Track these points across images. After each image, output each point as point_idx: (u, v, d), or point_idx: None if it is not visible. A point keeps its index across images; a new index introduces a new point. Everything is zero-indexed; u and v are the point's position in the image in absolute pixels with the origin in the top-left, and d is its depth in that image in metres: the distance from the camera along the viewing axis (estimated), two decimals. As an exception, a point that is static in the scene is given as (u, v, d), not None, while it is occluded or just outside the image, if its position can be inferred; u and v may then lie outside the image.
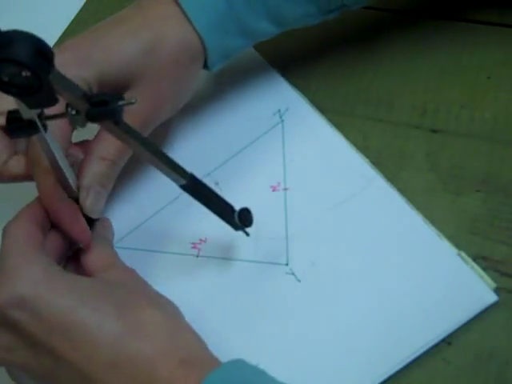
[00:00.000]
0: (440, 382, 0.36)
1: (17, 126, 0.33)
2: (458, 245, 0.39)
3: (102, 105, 0.32)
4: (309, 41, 0.51)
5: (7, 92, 0.29)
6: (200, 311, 0.39)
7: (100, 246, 0.39)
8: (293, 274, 0.40)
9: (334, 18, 0.45)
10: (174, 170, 0.36)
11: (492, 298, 0.37)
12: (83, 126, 0.33)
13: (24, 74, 0.28)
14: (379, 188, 0.42)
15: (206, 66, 0.43)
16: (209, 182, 0.44)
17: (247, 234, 0.40)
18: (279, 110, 0.47)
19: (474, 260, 0.38)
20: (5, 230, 0.36)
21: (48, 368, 0.33)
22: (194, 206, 0.44)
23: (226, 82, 0.49)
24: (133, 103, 0.32)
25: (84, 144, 0.41)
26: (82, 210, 0.39)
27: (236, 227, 0.40)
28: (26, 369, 0.34)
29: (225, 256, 0.41)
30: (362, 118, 0.46)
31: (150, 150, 0.35)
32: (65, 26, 0.57)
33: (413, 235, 0.40)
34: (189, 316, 0.36)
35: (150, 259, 0.42)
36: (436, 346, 0.36)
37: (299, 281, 0.39)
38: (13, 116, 0.33)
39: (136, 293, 0.36)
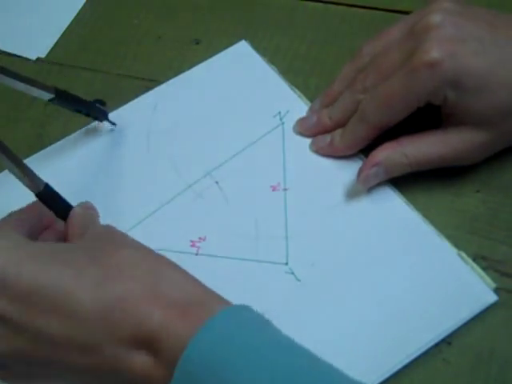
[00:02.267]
0: (440, 382, 0.35)
1: None
2: (457, 245, 0.39)
3: None
4: (309, 39, 0.51)
5: None
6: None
7: (73, 218, 0.38)
8: (293, 273, 0.40)
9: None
10: (38, 87, 0.42)
11: (492, 297, 0.37)
12: None
13: None
14: (379, 188, 0.42)
15: None
16: (209, 181, 0.44)
17: (114, 123, 0.48)
18: (279, 113, 0.47)
19: (474, 260, 0.38)
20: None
21: (25, 348, 0.31)
22: (194, 205, 0.44)
23: (226, 84, 0.49)
24: None
25: None
26: None
27: (102, 118, 0.48)
28: None
29: (224, 255, 0.41)
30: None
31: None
32: (65, 26, 0.57)
33: (413, 235, 0.40)
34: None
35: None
36: (436, 345, 0.36)
37: (299, 280, 0.39)
38: None
39: (111, 240, 0.35)
